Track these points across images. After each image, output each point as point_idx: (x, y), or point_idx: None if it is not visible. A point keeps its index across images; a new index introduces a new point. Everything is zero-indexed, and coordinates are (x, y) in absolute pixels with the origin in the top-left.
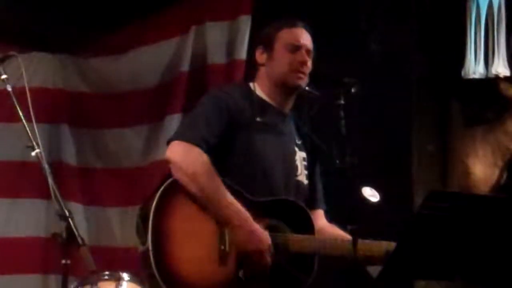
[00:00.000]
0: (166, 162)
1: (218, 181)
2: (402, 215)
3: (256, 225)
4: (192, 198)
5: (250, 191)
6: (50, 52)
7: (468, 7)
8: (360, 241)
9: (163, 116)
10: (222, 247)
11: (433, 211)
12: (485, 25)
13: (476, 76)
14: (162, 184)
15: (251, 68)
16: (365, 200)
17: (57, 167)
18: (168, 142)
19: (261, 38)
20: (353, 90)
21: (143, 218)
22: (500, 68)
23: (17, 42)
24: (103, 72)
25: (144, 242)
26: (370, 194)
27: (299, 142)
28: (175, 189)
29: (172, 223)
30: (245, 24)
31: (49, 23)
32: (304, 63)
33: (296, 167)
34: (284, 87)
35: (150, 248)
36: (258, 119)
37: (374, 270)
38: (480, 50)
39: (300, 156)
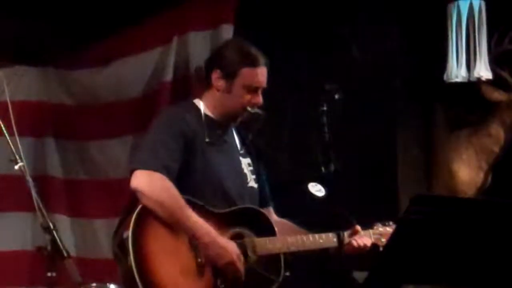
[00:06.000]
0: (133, 191)
1: (182, 204)
2: (387, 219)
3: (223, 239)
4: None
5: (211, 205)
6: (33, 65)
7: (449, 11)
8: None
9: (148, 126)
10: (199, 260)
11: (418, 215)
12: (466, 29)
13: (459, 79)
14: (131, 208)
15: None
16: (311, 195)
17: (43, 180)
18: (132, 171)
19: (221, 63)
20: (336, 97)
21: (121, 246)
22: (482, 71)
23: None
24: (87, 84)
25: (125, 267)
26: (316, 189)
27: (242, 151)
28: (147, 213)
29: (150, 246)
30: (227, 33)
31: (31, 36)
32: (257, 104)
33: (245, 175)
34: (231, 118)
35: (135, 271)
36: (207, 139)
37: (360, 275)
38: (462, 53)
39: (245, 163)
